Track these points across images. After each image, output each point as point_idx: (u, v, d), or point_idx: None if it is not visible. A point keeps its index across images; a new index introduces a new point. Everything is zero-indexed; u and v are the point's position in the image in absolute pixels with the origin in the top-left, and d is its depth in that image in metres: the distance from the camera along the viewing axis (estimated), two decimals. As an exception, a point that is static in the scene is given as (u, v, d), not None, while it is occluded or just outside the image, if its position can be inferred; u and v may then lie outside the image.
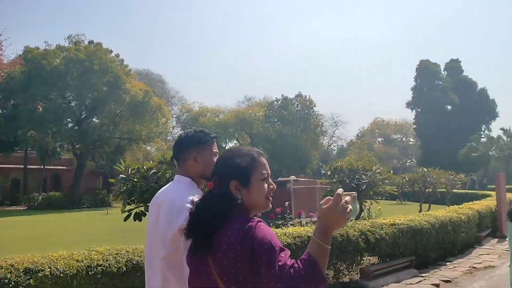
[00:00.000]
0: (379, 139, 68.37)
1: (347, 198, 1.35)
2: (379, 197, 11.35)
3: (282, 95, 40.44)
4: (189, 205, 1.67)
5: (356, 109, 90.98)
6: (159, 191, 2.02)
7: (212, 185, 1.49)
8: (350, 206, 1.34)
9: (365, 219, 11.03)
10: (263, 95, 50.35)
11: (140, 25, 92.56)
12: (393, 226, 6.93)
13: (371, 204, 13.60)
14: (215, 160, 1.86)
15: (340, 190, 1.34)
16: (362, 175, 9.73)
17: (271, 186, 1.50)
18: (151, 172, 5.08)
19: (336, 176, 10.05)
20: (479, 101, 49.12)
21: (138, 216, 4.91)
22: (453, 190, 20.97)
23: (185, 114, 49.51)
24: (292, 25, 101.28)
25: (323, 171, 10.56)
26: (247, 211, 1.45)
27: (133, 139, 30.20)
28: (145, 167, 5.16)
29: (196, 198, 1.69)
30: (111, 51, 28.63)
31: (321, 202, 1.37)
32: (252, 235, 1.28)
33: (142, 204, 4.97)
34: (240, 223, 1.33)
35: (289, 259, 1.27)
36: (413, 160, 61.63)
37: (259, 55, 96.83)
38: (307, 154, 38.07)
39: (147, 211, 5.07)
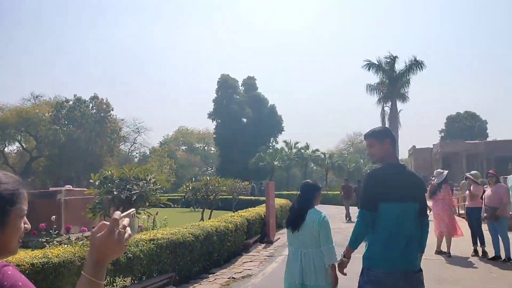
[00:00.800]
0: (183, 147, 69.63)
1: (125, 221, 1.16)
2: (161, 206, 10.83)
3: (75, 96, 36.71)
4: None
5: (161, 116, 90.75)
6: None
7: None
8: (129, 231, 1.16)
9: (147, 230, 10.28)
10: (54, 94, 44.72)
11: None
12: (152, 242, 6.33)
13: (157, 214, 13.03)
14: None
15: (117, 214, 1.15)
16: (134, 185, 8.96)
17: (26, 225, 1.19)
18: None
19: (105, 186, 9.02)
20: (270, 116, 54.93)
21: None
22: (240, 197, 22.29)
23: None
24: (91, 21, 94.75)
25: (92, 180, 9.32)
26: None
27: None
28: None
29: None
30: None
31: (93, 230, 1.15)
32: None
33: None
34: None
35: None
36: (214, 168, 64.68)
37: (52, 48, 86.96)
38: (101, 160, 35.35)
39: None
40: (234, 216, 9.80)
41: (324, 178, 46.58)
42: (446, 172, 8.81)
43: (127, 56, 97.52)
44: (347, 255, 3.02)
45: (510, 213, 7.72)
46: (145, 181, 9.06)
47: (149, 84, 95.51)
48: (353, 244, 2.97)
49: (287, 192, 33.00)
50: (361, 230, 2.89)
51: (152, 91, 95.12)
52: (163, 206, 9.70)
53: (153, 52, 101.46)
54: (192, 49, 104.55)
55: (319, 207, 3.84)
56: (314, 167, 52.99)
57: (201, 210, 14.22)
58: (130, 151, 57.79)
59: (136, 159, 58.05)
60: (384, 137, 2.99)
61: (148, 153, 58.50)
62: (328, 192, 27.16)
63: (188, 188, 14.01)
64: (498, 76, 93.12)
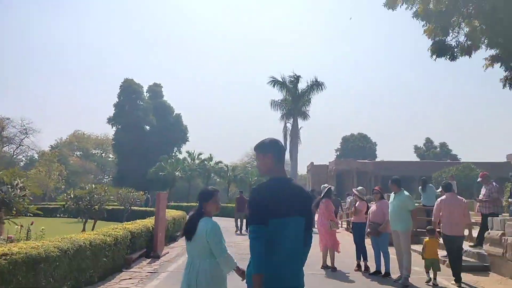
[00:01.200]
0: (78, 153, 64.93)
1: None
2: (29, 216, 9.63)
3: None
4: None
5: (54, 118, 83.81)
6: None
7: None
8: None
9: (18, 240, 8.95)
10: None
11: None
12: (3, 257, 5.32)
13: (32, 224, 11.55)
14: None
15: None
16: (-5, 190, 7.70)
17: None
18: None
19: (-43, 190, 7.62)
20: (175, 125, 53.67)
21: None
22: (133, 208, 21.01)
23: None
24: None
25: None
26: None
27: None
28: None
29: None
30: None
31: None
32: None
33: None
34: None
35: None
36: (110, 176, 61.09)
37: None
38: (-25, 163, 31.11)
39: None
40: (116, 228, 8.92)
41: (226, 190, 46.50)
42: (329, 186, 8.99)
43: (16, 50, 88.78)
44: (258, 286, 2.49)
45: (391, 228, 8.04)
46: (10, 186, 7.84)
47: (42, 82, 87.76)
48: (259, 268, 2.51)
49: (187, 204, 32.20)
50: (260, 248, 2.53)
51: (46, 90, 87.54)
52: (32, 215, 8.49)
53: (48, 47, 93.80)
54: (93, 47, 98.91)
55: (216, 220, 3.58)
56: (217, 179, 52.73)
57: (84, 221, 12.93)
58: (15, 154, 52.02)
59: (21, 163, 52.52)
60: (266, 150, 2.83)
61: (36, 157, 53.24)
62: (228, 205, 27.01)
63: (69, 196, 12.63)
64: (387, 102, 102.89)
